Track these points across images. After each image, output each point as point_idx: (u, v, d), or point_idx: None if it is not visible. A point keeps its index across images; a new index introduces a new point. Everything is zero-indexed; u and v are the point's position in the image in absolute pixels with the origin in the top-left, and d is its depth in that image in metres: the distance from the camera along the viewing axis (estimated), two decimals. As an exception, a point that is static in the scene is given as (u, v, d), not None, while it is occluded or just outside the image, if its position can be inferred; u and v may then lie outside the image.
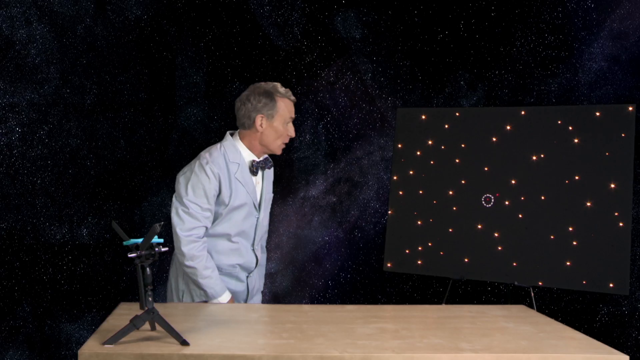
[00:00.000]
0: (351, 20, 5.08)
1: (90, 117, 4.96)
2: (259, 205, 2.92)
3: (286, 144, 2.90)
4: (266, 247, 3.22)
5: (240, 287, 3.05)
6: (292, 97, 2.89)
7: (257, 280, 3.11)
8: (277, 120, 2.85)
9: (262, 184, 2.94)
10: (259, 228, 2.95)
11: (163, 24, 5.01)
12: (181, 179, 2.83)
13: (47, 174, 4.92)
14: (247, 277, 3.04)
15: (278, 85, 2.91)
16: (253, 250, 2.96)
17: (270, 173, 3.00)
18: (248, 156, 2.89)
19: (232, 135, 2.96)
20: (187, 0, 5.00)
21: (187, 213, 2.73)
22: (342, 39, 5.11)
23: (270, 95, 2.86)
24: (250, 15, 5.05)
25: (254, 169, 2.87)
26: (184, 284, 2.95)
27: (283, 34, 5.08)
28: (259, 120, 2.85)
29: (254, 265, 3.00)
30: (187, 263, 2.79)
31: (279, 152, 2.90)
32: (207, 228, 2.80)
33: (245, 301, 3.11)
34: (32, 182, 4.90)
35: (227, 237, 2.87)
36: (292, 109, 2.89)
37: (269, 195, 3.00)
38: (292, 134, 2.86)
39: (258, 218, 2.92)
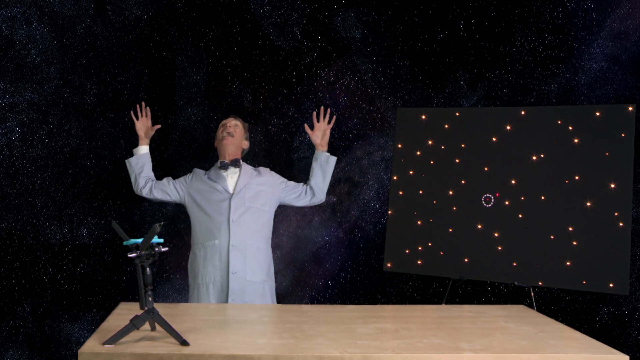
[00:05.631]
0: (351, 20, 5.08)
1: (90, 117, 4.96)
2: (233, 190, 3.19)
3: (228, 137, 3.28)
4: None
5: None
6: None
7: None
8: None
9: (239, 176, 3.22)
10: (236, 208, 3.14)
11: (163, 24, 5.01)
12: None
13: (47, 174, 4.92)
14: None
15: None
16: (227, 249, 3.09)
17: (247, 171, 3.30)
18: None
19: None
20: (187, 0, 5.00)
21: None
22: (342, 39, 5.11)
23: None
24: (250, 15, 5.05)
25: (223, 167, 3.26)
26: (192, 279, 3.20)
27: (283, 34, 5.08)
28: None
29: (228, 239, 3.12)
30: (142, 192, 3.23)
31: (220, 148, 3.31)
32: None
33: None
34: (32, 182, 4.90)
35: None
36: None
37: (254, 187, 3.26)
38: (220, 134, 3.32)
39: (230, 200, 3.14)
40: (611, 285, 3.77)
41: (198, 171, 3.21)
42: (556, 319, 3.95)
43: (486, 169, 4.17)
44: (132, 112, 3.21)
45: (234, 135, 3.18)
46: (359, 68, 5.11)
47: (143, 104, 3.24)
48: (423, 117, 4.38)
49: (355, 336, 2.40)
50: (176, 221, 5.09)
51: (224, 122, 3.26)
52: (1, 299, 4.84)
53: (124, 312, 2.69)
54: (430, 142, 4.33)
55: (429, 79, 5.05)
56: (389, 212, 4.39)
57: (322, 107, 3.26)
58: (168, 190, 3.14)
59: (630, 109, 3.87)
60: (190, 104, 5.05)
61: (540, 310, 4.40)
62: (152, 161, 3.45)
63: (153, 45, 5.00)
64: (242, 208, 3.09)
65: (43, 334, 4.90)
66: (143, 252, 2.30)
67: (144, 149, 3.13)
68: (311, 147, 5.07)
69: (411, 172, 4.36)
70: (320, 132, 3.30)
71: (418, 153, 4.36)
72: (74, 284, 4.93)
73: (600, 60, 4.81)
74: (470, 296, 5.00)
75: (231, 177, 3.13)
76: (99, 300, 4.95)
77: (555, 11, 4.85)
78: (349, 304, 4.66)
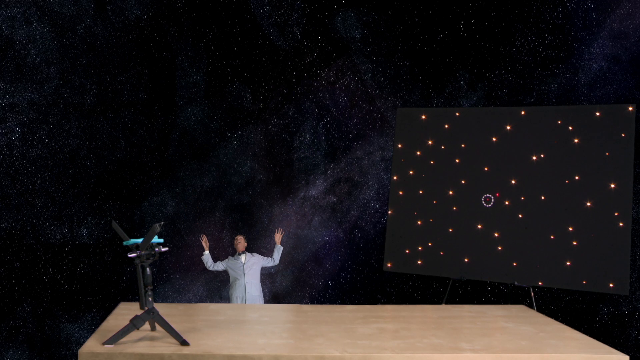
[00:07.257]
0: (351, 20, 5.08)
1: (90, 117, 4.96)
2: (243, 265, 5.64)
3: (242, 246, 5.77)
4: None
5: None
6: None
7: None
8: None
9: (245, 258, 5.68)
10: (246, 270, 5.65)
11: (163, 24, 5.01)
12: None
13: (47, 174, 4.92)
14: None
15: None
16: (244, 285, 5.58)
17: (249, 256, 5.70)
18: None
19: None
20: (187, 0, 5.00)
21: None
22: (342, 39, 5.11)
23: None
24: (250, 15, 5.05)
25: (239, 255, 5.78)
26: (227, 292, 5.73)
27: (283, 34, 5.08)
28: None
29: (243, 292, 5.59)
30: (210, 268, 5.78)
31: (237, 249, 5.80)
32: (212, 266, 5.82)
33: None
34: (32, 182, 4.90)
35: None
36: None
37: (251, 261, 5.68)
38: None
39: (243, 267, 5.64)
40: (611, 285, 3.78)
41: (230, 257, 5.65)
42: (556, 319, 3.95)
43: (486, 169, 4.17)
44: (201, 239, 5.69)
45: (241, 242, 5.65)
46: (359, 68, 5.11)
47: (203, 234, 5.69)
48: (423, 117, 4.38)
49: (355, 336, 2.40)
50: (176, 221, 5.09)
51: (235, 237, 5.69)
52: (1, 299, 4.84)
53: (124, 312, 2.69)
54: (430, 142, 4.33)
55: (429, 79, 5.06)
56: (389, 212, 4.39)
57: (279, 228, 5.48)
58: (220, 266, 5.59)
59: (630, 109, 3.87)
60: (190, 104, 5.05)
61: (540, 310, 4.40)
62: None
63: (153, 45, 5.00)
64: (248, 269, 5.53)
65: (43, 334, 4.90)
66: (143, 252, 2.30)
67: (207, 253, 5.57)
68: (311, 147, 5.11)
69: (411, 172, 4.36)
70: (277, 237, 5.50)
71: (418, 153, 4.36)
72: (74, 284, 4.93)
73: (600, 60, 4.81)
74: (470, 296, 5.00)
75: (242, 258, 5.59)
76: (99, 300, 4.95)
77: (555, 11, 4.85)
78: (349, 304, 4.66)
